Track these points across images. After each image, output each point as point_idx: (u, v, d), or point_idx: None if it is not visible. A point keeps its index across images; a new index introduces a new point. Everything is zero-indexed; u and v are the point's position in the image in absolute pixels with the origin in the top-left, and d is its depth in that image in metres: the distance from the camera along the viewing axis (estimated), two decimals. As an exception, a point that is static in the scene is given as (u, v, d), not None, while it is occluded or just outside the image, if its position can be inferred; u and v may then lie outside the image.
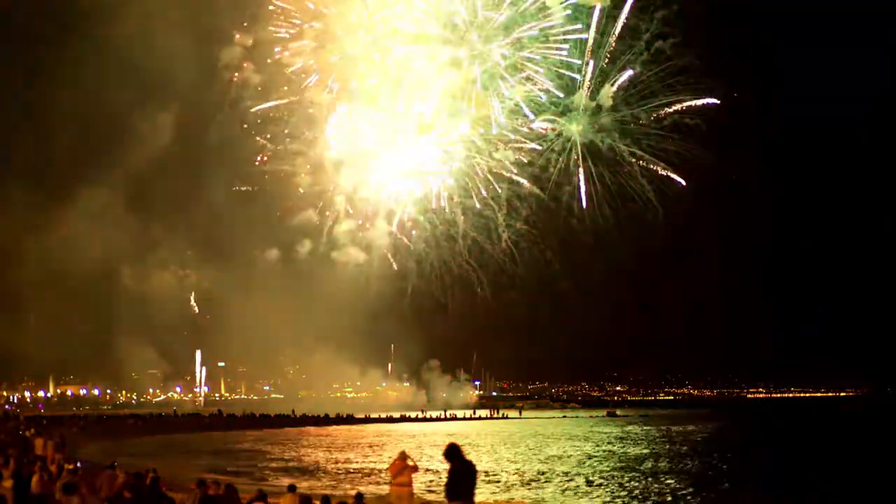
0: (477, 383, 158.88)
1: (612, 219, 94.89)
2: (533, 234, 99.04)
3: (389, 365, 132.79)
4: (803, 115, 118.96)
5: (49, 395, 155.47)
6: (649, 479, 33.89)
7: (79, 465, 25.50)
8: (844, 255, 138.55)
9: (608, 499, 28.44)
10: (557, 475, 35.51)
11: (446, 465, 11.08)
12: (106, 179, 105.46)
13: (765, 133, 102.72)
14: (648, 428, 76.93)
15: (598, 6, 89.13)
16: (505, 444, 57.01)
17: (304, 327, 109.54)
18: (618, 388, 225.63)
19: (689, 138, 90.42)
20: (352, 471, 38.37)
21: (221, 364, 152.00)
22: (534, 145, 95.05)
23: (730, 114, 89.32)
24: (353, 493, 20.76)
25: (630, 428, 77.45)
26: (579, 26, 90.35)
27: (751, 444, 55.82)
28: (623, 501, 27.87)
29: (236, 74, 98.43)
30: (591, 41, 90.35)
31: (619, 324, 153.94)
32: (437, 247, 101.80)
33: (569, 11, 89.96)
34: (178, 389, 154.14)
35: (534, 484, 32.65)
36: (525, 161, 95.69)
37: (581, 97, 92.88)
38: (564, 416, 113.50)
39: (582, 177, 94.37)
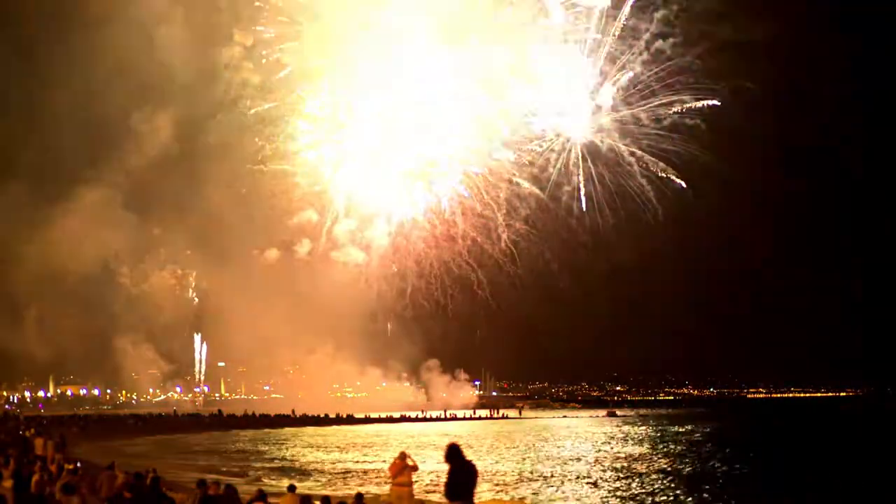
0: (477, 383, 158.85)
1: (611, 219, 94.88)
2: (532, 234, 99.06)
3: (388, 364, 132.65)
4: (803, 114, 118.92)
5: (49, 395, 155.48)
6: (645, 478, 33.90)
7: (79, 464, 25.50)
8: (844, 256, 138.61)
9: (605, 498, 28.45)
10: (555, 475, 35.51)
11: (446, 466, 11.07)
12: (105, 179, 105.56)
13: (764, 133, 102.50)
14: (646, 428, 76.97)
15: (598, 6, 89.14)
16: (504, 444, 57.00)
17: (303, 327, 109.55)
18: (618, 388, 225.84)
19: (689, 138, 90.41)
20: (347, 471, 38.28)
21: (221, 364, 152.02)
22: (533, 145, 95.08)
23: (730, 113, 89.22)
24: (352, 493, 20.74)
25: (628, 428, 77.46)
26: (579, 26, 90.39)
27: (750, 444, 55.79)
28: (619, 501, 27.89)
29: (235, 74, 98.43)
30: (590, 41, 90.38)
31: (619, 324, 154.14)
32: (436, 247, 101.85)
33: (568, 11, 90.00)
34: (178, 389, 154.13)
35: (532, 484, 32.64)
36: (525, 161, 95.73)
37: (581, 96, 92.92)
38: (564, 416, 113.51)
39: (581, 177, 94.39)
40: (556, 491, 30.56)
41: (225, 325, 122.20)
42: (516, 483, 32.83)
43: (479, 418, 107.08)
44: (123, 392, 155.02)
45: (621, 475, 35.36)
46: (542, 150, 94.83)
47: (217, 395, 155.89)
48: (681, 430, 73.65)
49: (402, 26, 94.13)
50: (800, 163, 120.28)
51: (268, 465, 42.84)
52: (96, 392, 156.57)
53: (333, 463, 43.28)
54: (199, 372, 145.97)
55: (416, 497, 19.50)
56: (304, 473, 37.05)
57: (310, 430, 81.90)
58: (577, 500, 28.46)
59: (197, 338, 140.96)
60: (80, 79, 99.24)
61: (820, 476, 35.72)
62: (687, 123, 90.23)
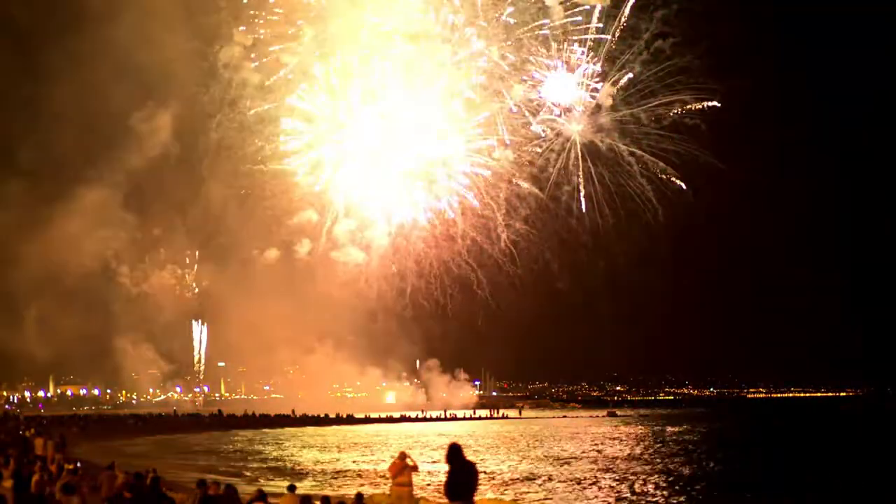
0: (477, 383, 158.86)
1: (611, 219, 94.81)
2: (532, 234, 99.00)
3: (388, 364, 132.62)
4: (803, 114, 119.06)
5: (49, 395, 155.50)
6: (639, 478, 33.90)
7: (79, 464, 25.52)
8: (844, 255, 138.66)
9: (604, 498, 28.47)
10: (554, 475, 35.51)
11: (447, 466, 11.07)
12: (105, 179, 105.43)
13: (764, 133, 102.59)
14: (644, 427, 76.98)
15: (598, 6, 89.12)
16: (503, 444, 57.00)
17: (303, 327, 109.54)
18: (618, 388, 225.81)
19: (689, 138, 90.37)
20: (341, 471, 38.19)
21: (221, 364, 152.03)
22: (533, 145, 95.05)
23: (730, 113, 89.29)
24: (351, 493, 20.74)
25: (627, 428, 77.45)
26: (579, 25, 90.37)
27: (748, 444, 55.80)
28: (613, 501, 27.90)
29: (235, 73, 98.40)
30: (590, 41, 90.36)
31: (619, 324, 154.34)
32: (436, 247, 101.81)
33: (568, 11, 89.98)
34: (178, 389, 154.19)
35: (532, 484, 32.63)
36: (525, 161, 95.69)
37: (580, 97, 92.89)
38: (564, 416, 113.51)
39: (581, 177, 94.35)
40: (556, 491, 30.55)
41: (225, 324, 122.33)
42: (516, 483, 32.83)
43: (479, 418, 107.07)
44: (123, 392, 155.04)
45: (618, 475, 35.36)
46: (542, 150, 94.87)
47: (217, 395, 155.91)
48: (677, 430, 73.64)
49: (402, 26, 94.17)
50: (799, 163, 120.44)
51: (264, 464, 42.72)
52: (96, 392, 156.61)
53: (329, 462, 43.24)
54: (199, 362, 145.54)
55: (416, 497, 19.50)
56: (299, 473, 36.95)
57: (309, 430, 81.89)
58: (576, 500, 28.44)
59: (196, 325, 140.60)
60: (80, 78, 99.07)
61: (819, 476, 35.74)
62: (687, 123, 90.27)
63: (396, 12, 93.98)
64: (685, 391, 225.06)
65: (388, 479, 19.27)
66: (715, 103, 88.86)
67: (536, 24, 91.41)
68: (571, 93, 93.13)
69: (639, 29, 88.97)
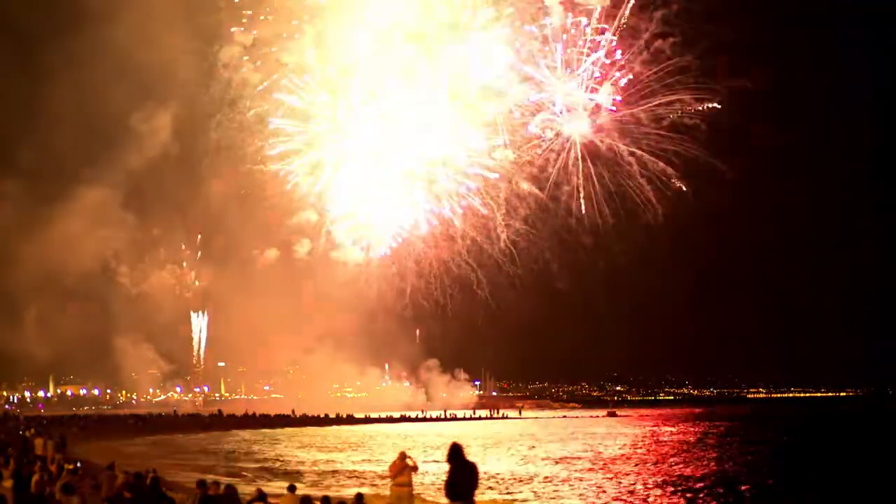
0: (477, 383, 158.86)
1: (611, 219, 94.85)
2: (532, 234, 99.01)
3: (387, 365, 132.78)
4: (803, 114, 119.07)
5: (49, 395, 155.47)
6: (634, 478, 33.92)
7: (79, 464, 25.51)
8: (844, 255, 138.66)
9: (603, 498, 28.49)
10: (553, 476, 35.53)
11: (447, 466, 11.07)
12: (104, 178, 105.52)
13: (764, 133, 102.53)
14: (647, 428, 77.00)
15: (598, 6, 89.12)
16: (503, 444, 57.01)
17: (303, 327, 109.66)
18: (618, 388, 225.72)
19: (688, 138, 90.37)
20: (339, 472, 38.11)
21: (221, 364, 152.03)
22: (533, 145, 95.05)
23: (730, 113, 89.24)
24: (351, 494, 20.73)
25: (627, 428, 77.45)
26: (579, 25, 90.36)
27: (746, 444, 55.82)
28: (606, 500, 27.92)
29: (236, 73, 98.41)
30: (590, 40, 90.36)
31: (619, 324, 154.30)
32: (436, 246, 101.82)
33: (568, 11, 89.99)
34: (178, 389, 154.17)
35: (530, 484, 32.64)
36: (524, 161, 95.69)
37: (580, 96, 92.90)
38: (564, 416, 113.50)
39: (581, 177, 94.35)
40: (554, 491, 30.55)
41: (225, 324, 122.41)
42: (516, 483, 32.82)
43: (479, 418, 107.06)
44: (123, 392, 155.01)
45: (617, 476, 35.37)
46: (542, 150, 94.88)
47: (217, 395, 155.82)
48: (674, 430, 73.68)
49: (401, 26, 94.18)
50: (799, 162, 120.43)
51: (259, 464, 42.58)
52: (96, 392, 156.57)
53: (326, 462, 43.19)
54: (199, 352, 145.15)
55: (416, 497, 19.49)
56: (293, 473, 36.81)
57: (309, 430, 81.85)
58: (574, 500, 28.44)
59: (195, 318, 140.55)
60: (80, 78, 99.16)
61: (818, 477, 35.77)
62: (687, 123, 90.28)
63: (396, 12, 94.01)
64: (685, 391, 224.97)
65: (387, 479, 19.25)
66: (716, 105, 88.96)
67: (536, 23, 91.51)
68: (571, 93, 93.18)
69: (639, 29, 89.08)
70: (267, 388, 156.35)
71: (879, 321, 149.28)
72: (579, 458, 43.97)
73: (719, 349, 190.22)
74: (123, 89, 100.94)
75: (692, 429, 75.22)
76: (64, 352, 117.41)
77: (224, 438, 67.95)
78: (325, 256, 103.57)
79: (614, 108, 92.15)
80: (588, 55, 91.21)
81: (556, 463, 41.61)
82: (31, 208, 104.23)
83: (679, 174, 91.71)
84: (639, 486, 31.46)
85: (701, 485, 31.79)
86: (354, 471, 38.08)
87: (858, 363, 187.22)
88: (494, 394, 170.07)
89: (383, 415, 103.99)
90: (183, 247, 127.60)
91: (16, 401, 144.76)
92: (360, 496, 16.67)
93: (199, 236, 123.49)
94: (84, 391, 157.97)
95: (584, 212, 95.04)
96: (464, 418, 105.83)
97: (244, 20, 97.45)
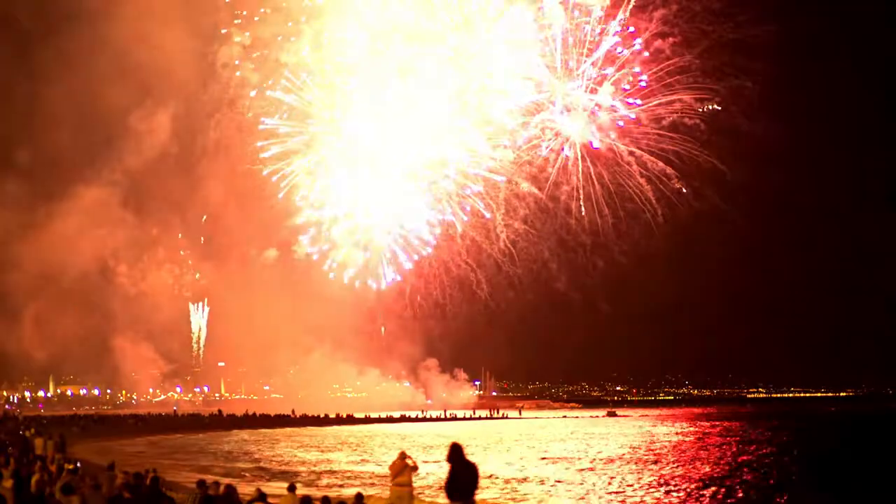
0: (477, 383, 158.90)
1: (610, 219, 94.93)
2: (531, 233, 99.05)
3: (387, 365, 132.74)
4: (803, 114, 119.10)
5: (49, 395, 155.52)
6: (637, 477, 33.94)
7: (79, 464, 25.51)
8: (844, 255, 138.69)
9: (602, 498, 28.50)
10: (552, 476, 35.55)
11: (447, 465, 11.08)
12: (103, 178, 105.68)
13: (764, 133, 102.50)
14: (651, 428, 77.02)
15: (598, 6, 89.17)
16: (502, 444, 57.03)
17: (302, 327, 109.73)
18: (618, 388, 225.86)
19: (688, 138, 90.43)
20: (335, 472, 38.06)
21: (221, 364, 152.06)
22: (532, 145, 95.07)
23: (730, 113, 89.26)
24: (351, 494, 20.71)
25: (627, 429, 77.47)
26: (579, 26, 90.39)
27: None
28: (611, 500, 27.92)
29: (235, 73, 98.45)
30: (589, 40, 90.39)
31: (618, 324, 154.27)
32: (435, 246, 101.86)
33: (568, 11, 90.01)
34: (178, 389, 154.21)
35: (529, 484, 32.66)
36: (524, 161, 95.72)
37: (580, 96, 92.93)
38: (565, 416, 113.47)
39: (580, 177, 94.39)
40: (553, 491, 30.56)
41: (225, 324, 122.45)
42: (516, 483, 32.84)
43: (479, 418, 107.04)
44: (123, 392, 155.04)
45: (617, 476, 35.39)
46: (542, 150, 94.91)
47: (217, 394, 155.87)
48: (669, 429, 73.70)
49: (401, 26, 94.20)
50: (799, 163, 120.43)
51: (255, 464, 42.53)
52: (96, 392, 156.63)
53: (323, 463, 43.17)
54: (199, 343, 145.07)
55: (416, 497, 19.49)
56: (288, 473, 36.73)
57: (309, 430, 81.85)
58: (576, 499, 28.45)
59: (194, 311, 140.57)
60: (78, 77, 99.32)
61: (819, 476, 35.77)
62: (687, 123, 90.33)
63: (395, 12, 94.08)
64: (685, 391, 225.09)
65: (385, 478, 19.26)
66: (716, 107, 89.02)
67: (536, 23, 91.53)
68: (571, 93, 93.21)
69: (638, 29, 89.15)
70: (267, 388, 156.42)
71: (880, 321, 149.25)
72: (579, 459, 43.99)
73: (719, 349, 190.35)
74: (122, 89, 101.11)
75: (706, 429, 75.28)
76: (63, 351, 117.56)
77: (224, 438, 67.95)
78: (325, 256, 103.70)
79: (614, 108, 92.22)
80: (588, 55, 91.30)
81: (555, 462, 41.65)
82: (29, 208, 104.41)
83: (678, 174, 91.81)
84: (636, 486, 31.49)
85: (695, 485, 31.81)
86: (351, 471, 38.03)
87: (858, 363, 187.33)
88: (494, 394, 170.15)
89: (383, 415, 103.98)
90: (182, 245, 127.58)
91: (16, 401, 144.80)
92: (359, 496, 16.65)
93: (202, 238, 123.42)
94: (84, 391, 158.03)
95: (583, 212, 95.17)
96: (464, 418, 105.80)
97: (242, 20, 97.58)
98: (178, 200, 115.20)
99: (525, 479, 34.04)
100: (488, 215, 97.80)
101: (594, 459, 43.29)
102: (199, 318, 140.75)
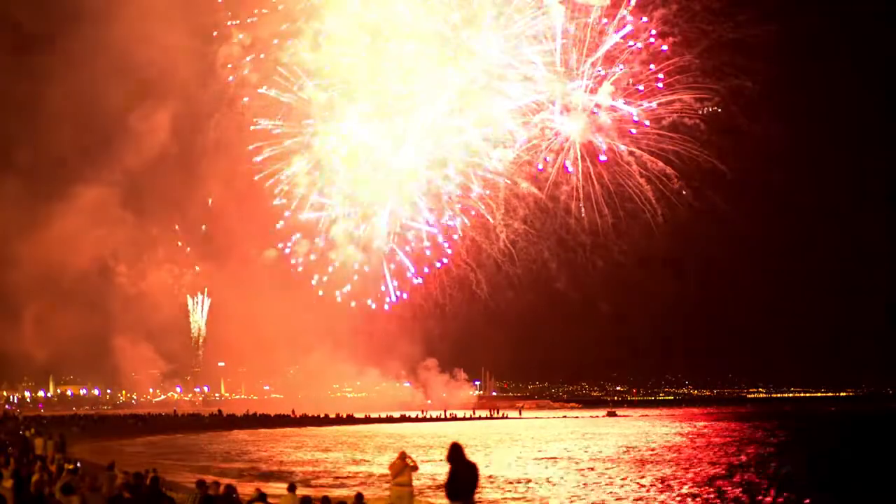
0: (477, 383, 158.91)
1: (610, 219, 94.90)
2: (531, 233, 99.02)
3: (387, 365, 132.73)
4: (803, 113, 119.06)
5: (49, 395, 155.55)
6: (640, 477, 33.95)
7: (79, 464, 25.51)
8: (844, 255, 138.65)
9: (602, 498, 28.50)
10: (553, 475, 35.57)
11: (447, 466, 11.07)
12: (103, 177, 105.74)
13: (764, 133, 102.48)
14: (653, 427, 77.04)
15: (598, 5, 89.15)
16: (502, 444, 57.04)
17: (302, 327, 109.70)
18: (618, 388, 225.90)
19: (688, 138, 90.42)
20: (333, 473, 37.99)
21: (221, 364, 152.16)
22: (532, 145, 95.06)
23: (730, 113, 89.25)
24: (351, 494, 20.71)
25: (627, 429, 77.49)
26: (578, 25, 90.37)
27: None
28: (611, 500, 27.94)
29: (234, 72, 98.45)
30: (589, 40, 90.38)
31: (618, 324, 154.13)
32: (435, 246, 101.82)
33: (568, 10, 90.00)
34: (178, 389, 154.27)
35: (527, 485, 32.66)
36: (524, 161, 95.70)
37: (580, 96, 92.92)
38: (565, 416, 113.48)
39: (580, 176, 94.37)
40: (552, 491, 30.57)
41: (224, 324, 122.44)
42: (515, 483, 32.84)
43: (480, 418, 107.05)
44: (123, 392, 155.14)
45: (617, 476, 35.39)
46: (542, 149, 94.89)
47: (217, 394, 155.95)
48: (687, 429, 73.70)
49: (400, 25, 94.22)
50: (799, 163, 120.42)
51: (251, 464, 42.50)
52: (96, 392, 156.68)
53: (319, 463, 43.16)
54: (200, 332, 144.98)
55: (416, 497, 19.50)
56: (286, 474, 36.70)
57: (309, 430, 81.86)
58: (575, 499, 28.45)
59: (193, 302, 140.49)
60: (78, 77, 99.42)
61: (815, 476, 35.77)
62: (687, 123, 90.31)
63: (395, 11, 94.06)
64: (685, 391, 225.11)
65: (380, 478, 19.26)
66: (716, 109, 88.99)
67: (536, 23, 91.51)
68: (571, 93, 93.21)
69: (638, 28, 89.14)
70: (267, 388, 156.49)
71: (880, 321, 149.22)
72: (579, 460, 44.00)
73: (719, 349, 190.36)
74: (122, 88, 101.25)
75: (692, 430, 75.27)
76: (63, 351, 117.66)
77: (223, 438, 67.97)
78: (324, 256, 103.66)
79: (614, 108, 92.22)
80: (588, 55, 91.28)
81: (555, 462, 41.66)
82: (28, 208, 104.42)
83: (678, 174, 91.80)
84: (636, 486, 31.49)
85: (695, 485, 31.82)
86: (350, 472, 37.98)
87: (858, 363, 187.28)
88: (494, 394, 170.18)
89: (383, 415, 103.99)
90: (181, 244, 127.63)
91: (16, 401, 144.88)
92: (359, 496, 16.65)
93: (203, 228, 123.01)
94: (84, 391, 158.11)
95: (583, 212, 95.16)
96: (464, 418, 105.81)
97: (242, 20, 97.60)
98: (178, 200, 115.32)
99: (524, 480, 34.05)
100: (488, 215, 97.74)
101: (593, 459, 43.31)
102: (199, 311, 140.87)
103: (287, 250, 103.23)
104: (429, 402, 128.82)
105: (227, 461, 44.94)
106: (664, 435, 65.43)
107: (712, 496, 28.77)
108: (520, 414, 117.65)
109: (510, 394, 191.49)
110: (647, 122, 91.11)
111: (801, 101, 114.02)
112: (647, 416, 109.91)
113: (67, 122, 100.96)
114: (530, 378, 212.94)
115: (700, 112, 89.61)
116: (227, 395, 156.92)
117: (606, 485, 32.11)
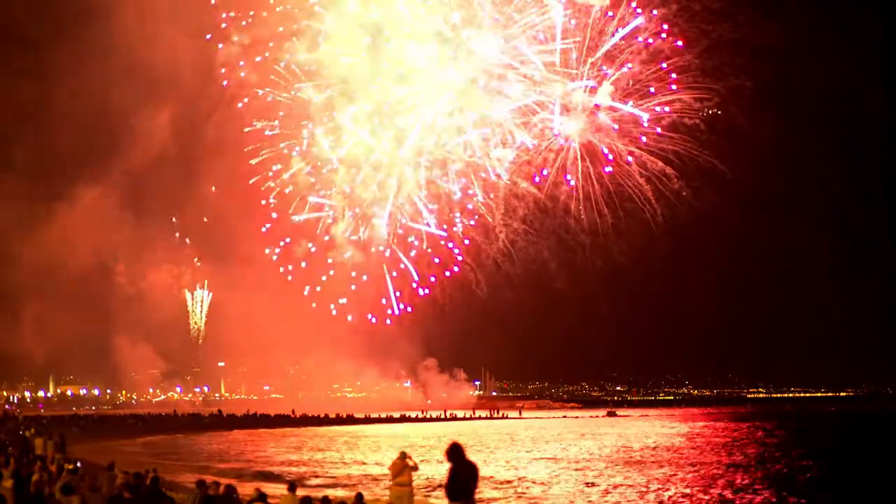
0: (477, 383, 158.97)
1: (609, 219, 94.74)
2: (531, 233, 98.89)
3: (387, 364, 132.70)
4: (803, 113, 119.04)
5: (49, 395, 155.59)
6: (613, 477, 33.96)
7: (79, 464, 25.50)
8: (843, 255, 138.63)
9: (602, 498, 28.50)
10: (551, 476, 35.56)
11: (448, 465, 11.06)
12: (103, 177, 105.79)
13: (764, 133, 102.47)
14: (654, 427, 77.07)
15: (598, 5, 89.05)
16: (501, 444, 57.04)
17: (302, 327, 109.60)
18: (618, 388, 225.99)
19: (688, 138, 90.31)
20: (330, 473, 37.98)
21: (221, 364, 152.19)
22: (531, 144, 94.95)
23: (730, 113, 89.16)
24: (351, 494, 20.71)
25: (627, 429, 77.49)
26: (578, 25, 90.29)
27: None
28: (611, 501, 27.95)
29: (235, 71, 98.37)
30: (588, 39, 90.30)
31: (618, 324, 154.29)
32: (435, 246, 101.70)
33: (567, 10, 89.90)
34: (178, 389, 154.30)
35: (529, 484, 32.66)
36: (523, 160, 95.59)
37: (579, 95, 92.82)
38: (565, 416, 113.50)
39: (580, 176, 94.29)
40: (552, 491, 30.57)
41: (225, 324, 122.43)
42: (516, 483, 32.84)
43: (480, 418, 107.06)
44: (123, 392, 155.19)
45: (616, 476, 35.41)
46: (541, 149, 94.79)
47: (217, 395, 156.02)
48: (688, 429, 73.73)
49: (400, 25, 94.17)
50: (799, 163, 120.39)
51: (248, 465, 42.47)
52: (96, 392, 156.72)
53: (316, 463, 43.17)
54: (199, 325, 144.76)
55: (415, 497, 19.50)
56: (282, 474, 36.66)
57: (308, 430, 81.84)
58: (576, 499, 28.44)
59: (190, 298, 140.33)
60: (78, 78, 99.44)
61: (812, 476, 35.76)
62: (686, 123, 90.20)
63: (395, 11, 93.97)
64: (685, 391, 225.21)
65: (376, 479, 19.26)
66: (718, 111, 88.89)
67: (536, 22, 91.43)
68: (570, 93, 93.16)
69: (638, 28, 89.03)
70: (267, 388, 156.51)
71: (880, 321, 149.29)
72: (578, 460, 44.01)
73: (719, 349, 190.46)
74: (122, 89, 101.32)
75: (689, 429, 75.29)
76: (63, 351, 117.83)
77: (223, 438, 67.97)
78: (324, 256, 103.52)
79: (613, 108, 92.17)
80: (587, 55, 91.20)
81: (556, 462, 41.68)
82: (28, 207, 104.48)
83: (678, 174, 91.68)
84: (635, 487, 31.50)
85: (694, 485, 31.82)
86: (348, 473, 37.95)
87: (858, 363, 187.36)
88: (494, 394, 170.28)
89: (383, 415, 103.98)
90: (181, 243, 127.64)
91: (16, 401, 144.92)
92: (359, 496, 16.66)
93: (205, 220, 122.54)
94: (84, 391, 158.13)
95: (582, 212, 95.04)
96: (464, 418, 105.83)
97: (241, 20, 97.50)
98: (178, 200, 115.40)
99: (524, 480, 34.06)
100: (487, 215, 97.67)
101: (593, 459, 43.32)
102: (198, 307, 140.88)
103: (274, 257, 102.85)
104: (429, 402, 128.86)
105: (226, 461, 44.95)
106: (664, 435, 65.44)
107: (712, 496, 28.79)
108: (520, 414, 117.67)
109: (510, 394, 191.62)
110: (647, 123, 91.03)
111: (802, 101, 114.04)
112: (647, 416, 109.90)
113: (67, 123, 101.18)
114: (530, 378, 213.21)
115: (701, 114, 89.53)
116: (227, 395, 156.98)
117: (605, 485, 32.12)
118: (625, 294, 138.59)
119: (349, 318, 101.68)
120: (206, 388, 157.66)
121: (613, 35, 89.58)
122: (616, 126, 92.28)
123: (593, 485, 32.20)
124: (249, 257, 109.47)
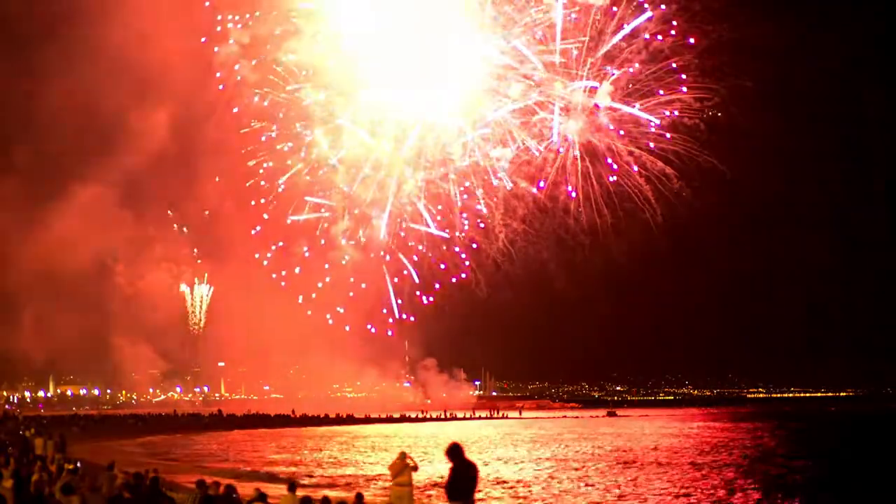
0: (477, 383, 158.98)
1: (609, 218, 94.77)
2: (530, 233, 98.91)
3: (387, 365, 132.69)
4: (803, 113, 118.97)
5: (49, 395, 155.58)
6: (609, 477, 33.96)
7: (79, 464, 25.49)
8: (843, 255, 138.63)
9: (603, 498, 28.51)
10: (552, 476, 35.55)
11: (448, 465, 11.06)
12: (101, 177, 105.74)
13: (764, 132, 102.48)
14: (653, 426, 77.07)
15: (597, 4, 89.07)
16: (501, 444, 57.04)
17: (302, 327, 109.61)
18: (618, 388, 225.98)
19: (688, 138, 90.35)
20: (329, 473, 37.94)
21: (221, 364, 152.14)
22: (531, 143, 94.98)
23: (730, 113, 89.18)
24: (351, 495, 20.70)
25: (627, 429, 77.49)
26: (578, 25, 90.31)
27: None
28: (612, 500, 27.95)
29: (233, 72, 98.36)
30: (588, 39, 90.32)
31: (618, 324, 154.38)
32: (435, 246, 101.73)
33: (567, 10, 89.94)
34: (178, 389, 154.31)
35: (529, 484, 32.67)
36: (523, 160, 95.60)
37: (579, 95, 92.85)
38: (565, 416, 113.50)
39: (580, 176, 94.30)
40: (549, 491, 30.58)
41: (225, 324, 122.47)
42: (515, 483, 32.85)
43: (480, 418, 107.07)
44: (123, 392, 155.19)
45: (616, 476, 35.41)
46: (541, 149, 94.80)
47: (217, 395, 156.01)
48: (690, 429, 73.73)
49: (399, 24, 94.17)
50: (798, 163, 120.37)
51: (244, 465, 42.44)
52: (96, 392, 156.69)
53: (313, 463, 43.14)
54: (199, 318, 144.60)
55: (415, 497, 19.50)
56: (279, 474, 36.62)
57: (308, 430, 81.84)
58: (576, 499, 28.45)
59: (189, 295, 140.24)
60: (76, 77, 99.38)
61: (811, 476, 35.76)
62: (686, 123, 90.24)
63: (394, 10, 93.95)
64: (685, 391, 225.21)
65: (375, 480, 19.26)
66: (718, 113, 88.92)
67: (536, 22, 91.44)
68: (570, 93, 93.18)
69: (638, 28, 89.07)
70: (267, 388, 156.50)
71: (879, 321, 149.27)
72: (577, 459, 44.01)
73: (719, 349, 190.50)
74: (120, 88, 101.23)
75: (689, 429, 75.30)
76: (62, 351, 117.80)
77: (223, 438, 67.98)
78: (324, 256, 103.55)
79: (613, 108, 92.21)
80: (587, 54, 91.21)
81: (556, 462, 41.67)
82: (27, 207, 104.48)
83: (678, 174, 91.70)
84: (634, 486, 31.51)
85: (694, 485, 31.83)
86: (344, 474, 37.93)
87: (858, 363, 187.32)
88: (494, 394, 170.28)
89: (383, 415, 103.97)
90: (176, 227, 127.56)
91: (16, 401, 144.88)
92: (359, 496, 16.65)
93: (206, 213, 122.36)
94: (84, 391, 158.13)
95: (581, 212, 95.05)
96: (464, 418, 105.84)
97: (241, 20, 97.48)
98: (178, 200, 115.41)
99: (524, 480, 34.06)
100: (484, 211, 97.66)
101: (592, 459, 43.33)
102: (198, 302, 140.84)
103: (265, 262, 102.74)
104: (428, 401, 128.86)
105: (226, 461, 44.95)
106: (664, 435, 65.45)
107: (712, 496, 28.80)
108: (520, 414, 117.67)
109: (510, 394, 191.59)
110: (654, 128, 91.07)
111: (802, 101, 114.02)
112: (647, 416, 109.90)
113: (66, 122, 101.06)
114: (530, 378, 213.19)
115: (701, 115, 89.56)
116: (226, 395, 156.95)
117: (604, 485, 32.12)
118: (625, 294, 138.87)
119: (346, 328, 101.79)
120: (205, 388, 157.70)
121: (614, 35, 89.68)
122: (612, 126, 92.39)
123: (592, 485, 32.23)
124: (248, 257, 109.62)
